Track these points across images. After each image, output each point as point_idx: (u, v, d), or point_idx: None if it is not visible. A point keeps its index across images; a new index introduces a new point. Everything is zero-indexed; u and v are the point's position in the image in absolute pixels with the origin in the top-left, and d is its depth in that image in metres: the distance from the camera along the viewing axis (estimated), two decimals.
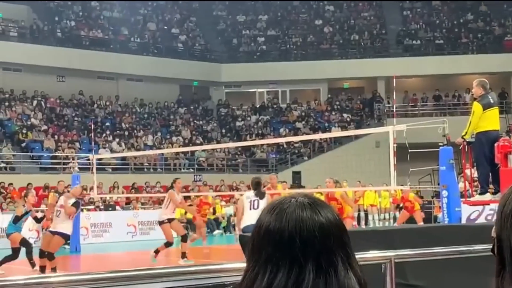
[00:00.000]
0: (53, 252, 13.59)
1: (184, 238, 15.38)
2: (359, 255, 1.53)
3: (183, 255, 15.09)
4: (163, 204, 15.71)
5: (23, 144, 28.73)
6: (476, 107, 10.55)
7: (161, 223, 15.42)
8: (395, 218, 27.01)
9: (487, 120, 10.50)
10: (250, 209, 12.56)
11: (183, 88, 38.07)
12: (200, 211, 19.35)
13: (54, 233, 13.82)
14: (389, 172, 13.85)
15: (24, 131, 29.22)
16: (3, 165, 27.17)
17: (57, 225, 13.85)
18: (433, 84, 37.01)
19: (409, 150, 12.81)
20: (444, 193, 12.66)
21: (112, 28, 36.54)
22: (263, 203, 13.31)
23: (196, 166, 31.92)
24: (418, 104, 36.49)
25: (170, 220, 15.26)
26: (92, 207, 24.27)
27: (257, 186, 12.77)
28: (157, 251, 15.26)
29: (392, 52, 37.94)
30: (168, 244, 15.25)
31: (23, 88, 31.92)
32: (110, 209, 24.60)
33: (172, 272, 3.63)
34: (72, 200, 13.85)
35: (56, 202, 14.21)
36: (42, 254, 13.72)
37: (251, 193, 12.94)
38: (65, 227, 13.83)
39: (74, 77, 33.54)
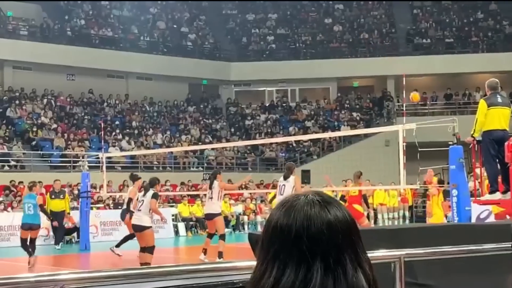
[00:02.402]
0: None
1: (222, 236, 14.84)
2: (368, 254, 1.53)
3: (220, 255, 14.43)
4: (213, 196, 14.88)
5: (33, 143, 28.84)
6: (481, 104, 10.56)
7: (214, 216, 14.86)
8: (404, 217, 26.97)
9: (490, 118, 10.48)
10: (279, 194, 13.95)
11: (192, 87, 38.11)
12: None
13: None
14: (398, 171, 13.83)
15: (34, 130, 29.33)
16: (13, 163, 27.29)
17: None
18: (443, 83, 36.90)
19: (419, 149, 12.78)
20: (454, 192, 12.64)
21: (122, 26, 36.62)
22: (288, 188, 14.24)
23: (205, 164, 31.95)
24: (428, 103, 36.38)
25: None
26: (101, 205, 24.34)
27: (285, 171, 14.42)
28: (205, 251, 14.73)
29: (402, 50, 37.85)
30: (222, 236, 14.77)
31: (33, 86, 32.06)
32: (120, 207, 24.64)
33: (182, 270, 3.64)
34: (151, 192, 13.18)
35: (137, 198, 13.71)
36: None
37: (281, 178, 14.61)
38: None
39: (84, 76, 33.65)
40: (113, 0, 37.67)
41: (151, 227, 13.22)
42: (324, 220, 1.46)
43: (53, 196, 20.06)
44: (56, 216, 19.85)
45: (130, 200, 15.69)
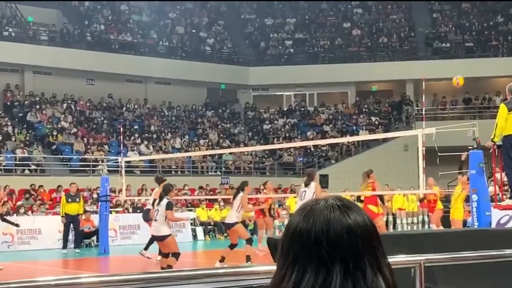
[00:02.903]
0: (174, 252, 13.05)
1: (249, 241, 14.99)
2: (388, 259, 1.52)
3: (248, 258, 14.51)
4: (233, 206, 15.12)
5: (53, 147, 29.05)
6: (501, 108, 10.47)
7: (230, 225, 15.02)
8: (423, 222, 26.80)
9: (511, 123, 10.39)
10: (299, 200, 13.97)
11: (210, 91, 38.20)
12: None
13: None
14: (417, 175, 13.75)
15: (54, 134, 29.54)
16: (33, 167, 27.49)
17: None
18: (463, 87, 36.57)
19: (439, 154, 12.70)
20: (474, 197, 12.54)
21: (141, 31, 36.81)
22: (309, 194, 14.25)
23: (223, 169, 32.00)
24: (448, 107, 36.17)
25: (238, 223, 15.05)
26: (120, 209, 24.44)
27: (306, 177, 14.63)
28: (223, 259, 14.67)
29: (421, 54, 37.69)
30: (249, 240, 14.88)
31: (53, 91, 32.30)
32: (138, 211, 24.74)
33: (201, 274, 3.64)
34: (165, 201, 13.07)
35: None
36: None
37: (302, 185, 14.65)
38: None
39: (104, 81, 33.85)
40: (132, 0, 37.84)
41: (170, 234, 13.13)
42: (344, 225, 1.45)
43: (69, 200, 20.18)
44: (72, 220, 20.02)
45: (155, 200, 15.74)
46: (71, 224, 20.02)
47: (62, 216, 20.10)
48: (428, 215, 25.90)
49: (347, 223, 1.45)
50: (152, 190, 27.37)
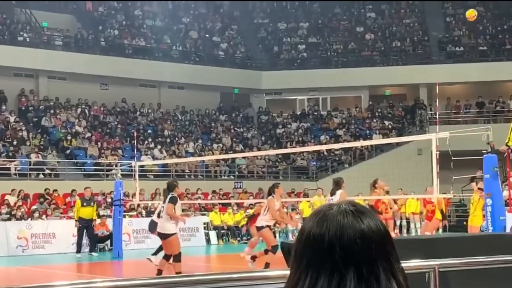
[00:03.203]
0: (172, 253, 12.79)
1: (273, 248, 14.04)
2: (402, 264, 1.52)
3: (267, 265, 13.86)
4: (261, 210, 14.79)
5: (68, 151, 29.18)
6: None
7: (259, 228, 14.51)
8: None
9: None
10: None
11: (224, 96, 38.25)
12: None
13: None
14: (431, 180, 13.71)
15: (69, 138, 29.68)
16: (48, 171, 27.63)
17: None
18: (477, 91, 36.51)
19: (452, 158, 12.65)
20: (488, 201, 12.48)
21: (155, 36, 36.93)
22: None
23: (236, 173, 32.01)
24: (461, 111, 36.02)
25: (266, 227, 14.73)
26: (134, 213, 24.50)
27: (333, 186, 14.09)
28: (254, 257, 14.44)
29: (434, 58, 37.56)
30: (274, 248, 13.91)
31: (67, 96, 32.46)
32: (152, 215, 24.78)
33: (214, 279, 3.65)
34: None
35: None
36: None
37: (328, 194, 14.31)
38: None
39: (117, 85, 33.99)
40: (145, 0, 37.96)
41: (175, 233, 12.85)
42: (357, 230, 1.46)
43: (84, 204, 20.31)
44: (86, 224, 20.11)
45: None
46: (85, 229, 20.12)
47: (76, 220, 20.20)
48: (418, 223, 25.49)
49: (361, 228, 1.46)
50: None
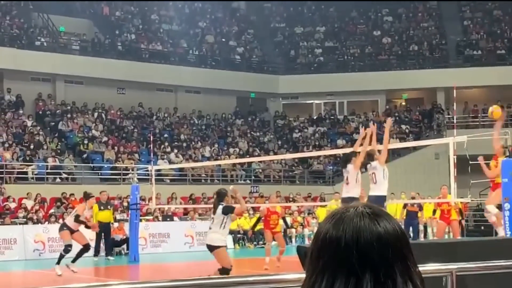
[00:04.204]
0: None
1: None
2: (419, 268, 1.50)
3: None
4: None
5: (84, 155, 29.32)
6: None
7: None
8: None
9: None
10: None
11: (240, 100, 38.28)
12: (269, 222, 17.82)
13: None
14: (449, 184, 13.61)
15: (85, 143, 29.83)
16: (65, 175, 27.77)
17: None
18: (495, 95, 36.24)
19: (470, 162, 12.56)
20: (506, 206, 12.37)
21: (171, 40, 37.06)
22: None
23: (253, 177, 32.01)
24: (479, 115, 35.79)
25: None
26: (150, 217, 24.57)
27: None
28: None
29: (452, 62, 37.38)
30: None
31: (84, 100, 32.63)
32: (168, 219, 24.87)
33: (231, 282, 3.64)
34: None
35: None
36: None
37: None
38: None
39: (134, 89, 34.13)
40: (161, 0, 38.12)
41: (222, 246, 12.19)
42: (374, 233, 1.44)
43: (101, 207, 20.45)
44: (104, 228, 20.21)
45: (78, 216, 16.01)
46: (103, 232, 20.24)
47: (94, 223, 20.28)
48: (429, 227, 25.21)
49: (377, 231, 1.44)
50: (182, 198, 27.53)
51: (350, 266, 1.42)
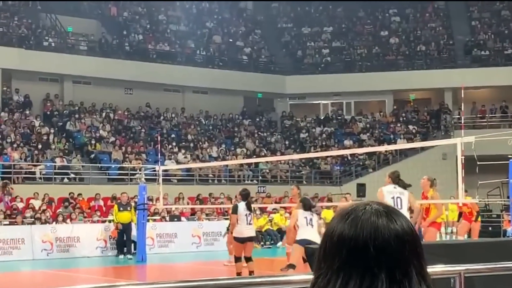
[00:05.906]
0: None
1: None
2: (428, 269, 1.50)
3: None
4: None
5: (92, 155, 29.38)
6: None
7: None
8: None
9: None
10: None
11: (247, 100, 38.29)
12: None
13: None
14: (456, 184, 13.56)
15: (93, 143, 29.89)
16: (72, 175, 27.83)
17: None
18: (503, 95, 36.15)
19: (478, 163, 12.52)
20: None
21: (179, 41, 37.09)
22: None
23: (260, 177, 32.00)
24: (487, 115, 35.69)
25: None
26: (158, 217, 24.60)
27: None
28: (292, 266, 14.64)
29: (459, 62, 37.28)
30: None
31: (92, 100, 32.70)
32: (176, 219, 24.89)
33: (237, 283, 3.63)
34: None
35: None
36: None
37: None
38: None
39: (141, 90, 34.17)
40: (167, 0, 38.15)
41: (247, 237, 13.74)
42: (392, 231, 1.43)
43: (121, 208, 20.73)
44: (125, 228, 20.46)
45: None
46: (124, 232, 20.57)
47: (116, 223, 20.68)
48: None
49: (395, 229, 1.44)
50: (189, 198, 27.53)
51: (366, 264, 1.41)
